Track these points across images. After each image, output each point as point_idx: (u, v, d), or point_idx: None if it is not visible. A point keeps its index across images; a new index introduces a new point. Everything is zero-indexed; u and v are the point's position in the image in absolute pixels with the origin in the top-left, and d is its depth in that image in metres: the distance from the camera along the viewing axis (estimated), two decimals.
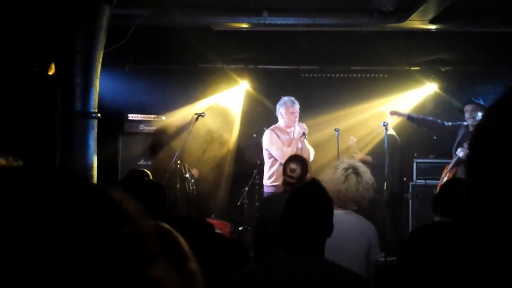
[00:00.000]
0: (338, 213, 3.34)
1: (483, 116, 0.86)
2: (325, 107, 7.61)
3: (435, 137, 8.25)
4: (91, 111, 5.47)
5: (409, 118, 7.27)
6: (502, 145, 0.76)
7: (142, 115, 7.67)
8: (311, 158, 6.31)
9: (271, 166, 6.23)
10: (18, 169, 0.71)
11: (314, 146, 6.53)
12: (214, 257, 2.54)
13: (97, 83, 5.50)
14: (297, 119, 6.25)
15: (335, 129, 6.82)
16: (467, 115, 6.64)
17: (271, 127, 6.38)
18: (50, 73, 6.19)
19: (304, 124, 6.30)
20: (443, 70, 8.06)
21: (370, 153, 7.19)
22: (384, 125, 6.57)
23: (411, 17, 6.27)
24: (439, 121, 6.95)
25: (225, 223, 7.39)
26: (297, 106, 6.26)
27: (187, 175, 7.01)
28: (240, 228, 7.59)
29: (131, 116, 7.65)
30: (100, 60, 5.50)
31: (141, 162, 7.35)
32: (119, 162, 7.44)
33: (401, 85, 8.00)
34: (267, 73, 8.25)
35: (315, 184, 2.45)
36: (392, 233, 7.37)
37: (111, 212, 0.65)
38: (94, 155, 5.47)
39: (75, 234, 0.61)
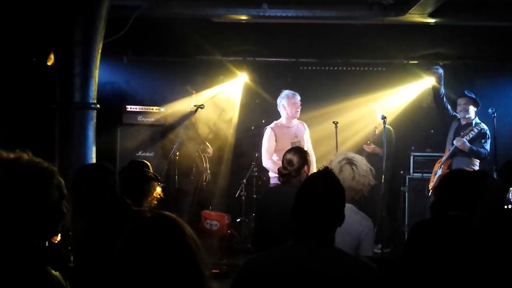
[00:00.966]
0: None
1: None
2: (323, 100, 7.62)
3: (432, 131, 8.28)
4: (90, 102, 5.46)
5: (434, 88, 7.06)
6: None
7: (141, 107, 7.67)
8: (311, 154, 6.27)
9: (267, 160, 6.26)
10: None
11: (312, 139, 6.53)
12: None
13: (96, 74, 5.49)
14: (299, 110, 6.24)
15: (333, 122, 6.83)
16: (459, 108, 6.70)
17: (272, 125, 6.31)
18: (49, 63, 6.16)
19: (304, 123, 6.34)
20: (441, 64, 8.06)
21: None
22: (382, 118, 6.60)
23: (410, 10, 6.26)
24: (448, 106, 6.91)
25: (223, 215, 7.42)
26: (298, 97, 6.25)
27: (206, 169, 7.12)
28: (238, 220, 7.62)
29: (130, 107, 7.64)
30: (100, 51, 5.48)
31: (140, 153, 7.35)
32: (118, 153, 7.44)
33: (399, 78, 8.01)
34: (265, 66, 8.25)
35: (328, 173, 2.41)
36: (388, 225, 7.41)
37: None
38: (93, 146, 5.46)
39: None
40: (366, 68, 8.33)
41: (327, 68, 8.35)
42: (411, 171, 7.75)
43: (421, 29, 7.33)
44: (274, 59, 8.28)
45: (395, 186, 7.71)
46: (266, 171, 7.45)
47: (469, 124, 6.56)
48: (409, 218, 7.54)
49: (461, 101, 6.72)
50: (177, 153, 6.56)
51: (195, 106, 6.61)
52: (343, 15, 6.46)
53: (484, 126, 6.53)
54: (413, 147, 7.96)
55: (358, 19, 6.61)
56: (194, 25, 7.25)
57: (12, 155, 1.88)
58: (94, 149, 5.47)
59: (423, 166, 7.66)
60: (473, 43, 7.68)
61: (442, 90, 6.84)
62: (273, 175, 6.15)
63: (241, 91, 8.11)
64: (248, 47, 8.11)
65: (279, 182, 4.40)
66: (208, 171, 7.26)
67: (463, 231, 2.85)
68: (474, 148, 6.39)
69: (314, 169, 5.70)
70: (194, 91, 7.59)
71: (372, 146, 7.26)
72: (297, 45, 8.04)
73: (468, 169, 6.08)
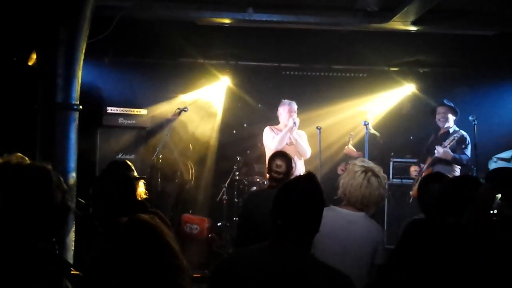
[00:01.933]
0: (355, 215, 3.35)
1: None
2: (305, 105, 7.63)
3: (411, 137, 8.39)
4: (73, 103, 5.34)
5: None
6: None
7: (122, 108, 7.56)
8: (308, 155, 6.54)
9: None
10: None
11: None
12: None
13: (79, 74, 5.38)
14: (294, 115, 6.60)
15: (317, 127, 6.86)
16: (439, 116, 6.76)
17: (271, 127, 6.66)
18: (30, 63, 6.05)
19: (297, 118, 6.57)
20: (421, 71, 8.19)
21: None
22: (365, 124, 6.65)
23: (394, 18, 6.34)
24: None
25: (203, 219, 7.38)
26: (294, 105, 6.63)
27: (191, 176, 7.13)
28: (218, 224, 7.58)
29: (110, 109, 7.54)
30: (83, 52, 5.39)
31: (121, 156, 7.25)
32: (97, 156, 7.33)
33: (380, 85, 8.10)
34: (248, 70, 8.26)
35: (310, 177, 2.42)
36: None
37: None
38: (76, 148, 5.36)
39: None
40: (347, 74, 8.41)
41: (309, 73, 8.40)
42: (391, 176, 7.82)
43: (402, 37, 7.42)
44: (256, 63, 8.30)
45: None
46: (248, 174, 7.46)
47: (447, 133, 6.65)
48: (388, 224, 7.61)
49: (440, 109, 6.80)
50: (160, 156, 6.50)
51: (178, 109, 6.57)
52: (327, 21, 6.50)
53: (463, 132, 6.63)
54: (392, 153, 8.04)
55: (343, 25, 6.66)
56: (176, 27, 7.20)
57: (13, 158, 1.85)
58: (76, 150, 5.37)
59: (403, 172, 7.73)
60: (453, 51, 7.82)
61: None
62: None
63: (223, 95, 8.09)
64: (230, 50, 8.10)
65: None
66: (192, 179, 7.23)
67: (461, 238, 2.88)
68: (457, 156, 6.47)
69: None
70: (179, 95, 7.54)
71: (350, 148, 7.28)
72: (280, 50, 8.06)
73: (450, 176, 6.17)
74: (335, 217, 3.32)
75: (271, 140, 6.40)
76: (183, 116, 6.77)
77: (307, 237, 2.31)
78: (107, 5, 6.13)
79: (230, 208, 7.54)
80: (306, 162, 6.60)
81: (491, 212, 3.48)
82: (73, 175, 5.31)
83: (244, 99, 8.08)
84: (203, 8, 6.51)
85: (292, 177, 4.31)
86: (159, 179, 6.61)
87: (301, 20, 6.45)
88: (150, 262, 1.66)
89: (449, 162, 6.50)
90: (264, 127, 6.66)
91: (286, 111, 6.57)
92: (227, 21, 6.78)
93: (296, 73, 8.41)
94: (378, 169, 3.52)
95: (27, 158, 1.96)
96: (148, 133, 7.28)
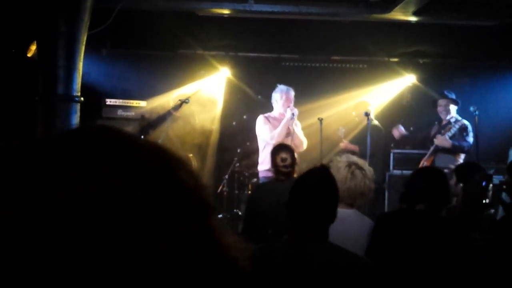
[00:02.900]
0: (346, 212, 3.36)
1: None
2: (305, 96, 7.60)
3: (412, 128, 8.37)
4: (74, 94, 5.34)
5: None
6: None
7: (121, 100, 7.53)
8: (304, 147, 6.30)
9: (261, 151, 6.18)
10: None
11: None
12: None
13: (80, 66, 5.37)
14: (288, 105, 6.21)
15: (318, 119, 6.82)
16: (440, 109, 6.77)
17: (265, 114, 6.28)
18: (29, 55, 6.00)
19: (295, 109, 6.25)
20: (421, 62, 8.17)
21: (352, 143, 7.25)
22: (366, 115, 6.63)
23: (395, 8, 6.32)
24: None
25: None
26: (291, 92, 6.26)
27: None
28: (219, 216, 7.56)
29: (109, 101, 7.50)
30: (84, 43, 5.37)
31: None
32: None
33: (381, 76, 8.08)
34: (248, 61, 8.21)
35: (324, 170, 2.44)
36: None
37: (174, 167, 0.67)
38: None
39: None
40: (347, 65, 8.38)
41: (309, 64, 8.36)
42: (391, 168, 7.81)
43: (402, 27, 7.40)
44: (256, 55, 8.25)
45: (375, 183, 7.75)
46: (248, 167, 7.43)
47: (449, 123, 6.66)
48: None
49: (441, 102, 6.80)
50: None
51: (180, 100, 6.53)
52: (329, 12, 6.48)
53: (464, 121, 6.64)
54: (392, 144, 8.03)
55: (344, 16, 6.64)
56: (176, 19, 7.16)
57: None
58: None
59: (403, 163, 7.70)
60: (453, 42, 7.80)
61: None
62: (260, 169, 6.09)
63: (223, 86, 8.05)
64: (230, 41, 8.05)
65: (266, 176, 4.43)
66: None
67: (428, 224, 2.98)
68: (456, 143, 6.48)
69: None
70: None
71: (346, 143, 7.22)
72: (280, 41, 8.03)
73: (452, 166, 6.17)
74: None
75: (267, 134, 6.08)
76: (184, 108, 6.72)
77: (325, 228, 2.33)
78: None
79: (230, 200, 7.52)
80: (305, 153, 6.52)
81: (484, 202, 3.53)
82: None
83: (244, 90, 8.05)
84: None
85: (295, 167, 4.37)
86: None
87: (302, 11, 6.42)
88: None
89: (451, 151, 6.51)
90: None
91: (284, 100, 6.18)
92: (226, 11, 6.75)
93: (296, 64, 8.37)
94: (362, 162, 3.56)
95: None
96: (148, 125, 7.24)
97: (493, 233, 3.24)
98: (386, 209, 7.67)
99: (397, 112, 8.18)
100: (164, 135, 6.38)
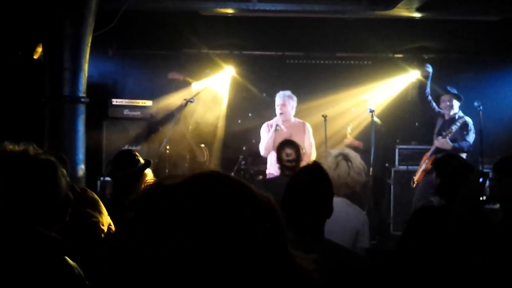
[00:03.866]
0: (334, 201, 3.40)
1: None
2: (310, 93, 7.65)
3: (417, 124, 8.39)
4: (80, 95, 5.42)
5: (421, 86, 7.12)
6: None
7: (127, 100, 7.59)
8: (309, 158, 5.84)
9: (269, 156, 6.17)
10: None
11: None
12: None
13: (86, 67, 5.45)
14: (281, 112, 6.11)
15: (322, 115, 6.86)
16: (444, 105, 6.78)
17: (269, 122, 6.25)
18: (36, 57, 6.07)
19: (280, 119, 6.12)
20: (426, 57, 8.17)
21: (356, 139, 7.30)
22: (370, 111, 6.67)
23: (398, 5, 6.34)
24: (433, 104, 6.99)
25: None
26: (279, 99, 6.15)
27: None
28: None
29: (116, 101, 7.56)
30: (89, 45, 5.44)
31: (127, 147, 7.28)
32: (103, 147, 7.36)
33: (385, 72, 8.08)
34: (252, 59, 8.25)
35: (316, 167, 2.48)
36: (374, 218, 7.50)
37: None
38: (83, 140, 5.43)
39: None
40: (352, 62, 8.40)
41: (313, 61, 8.39)
42: (396, 163, 7.84)
43: (406, 23, 7.41)
44: (260, 53, 8.29)
45: (380, 178, 7.80)
46: (254, 164, 7.49)
47: (453, 119, 6.67)
48: (394, 210, 7.65)
49: (445, 98, 6.81)
50: (167, 147, 6.53)
51: (185, 99, 6.58)
52: (332, 9, 6.51)
53: (467, 118, 6.64)
54: (398, 140, 8.06)
55: (348, 13, 6.66)
56: (180, 18, 7.22)
57: (18, 148, 1.89)
58: (84, 143, 5.43)
59: (408, 158, 7.74)
60: (457, 37, 7.80)
61: (428, 89, 6.92)
62: (270, 172, 6.08)
63: (228, 85, 8.09)
64: (234, 40, 8.10)
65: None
66: (207, 160, 7.25)
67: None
68: (457, 145, 6.51)
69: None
70: (192, 80, 7.52)
71: (350, 139, 7.27)
72: (284, 38, 8.06)
73: None
74: None
75: (261, 143, 6.15)
76: (189, 106, 6.78)
77: (321, 225, 2.37)
78: None
79: None
80: None
81: (481, 199, 3.54)
82: (82, 167, 5.37)
83: (249, 88, 8.09)
84: None
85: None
86: (166, 169, 6.64)
87: (306, 9, 6.45)
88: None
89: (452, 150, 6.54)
90: (269, 117, 6.47)
91: (279, 105, 6.12)
92: (230, 11, 6.79)
93: (300, 61, 8.40)
94: (354, 155, 3.61)
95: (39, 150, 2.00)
96: (154, 124, 7.30)
97: (493, 232, 3.26)
98: (392, 205, 7.72)
99: (402, 108, 8.20)
100: (170, 134, 6.44)
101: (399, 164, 7.82)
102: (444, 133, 6.50)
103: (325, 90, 7.88)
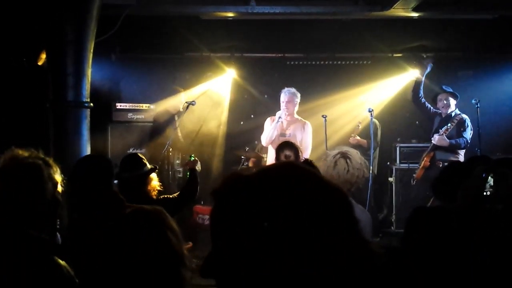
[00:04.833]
0: None
1: None
2: (311, 94, 7.74)
3: (417, 122, 8.46)
4: (84, 100, 5.52)
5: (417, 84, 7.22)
6: None
7: (131, 104, 7.69)
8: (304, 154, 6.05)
9: (268, 153, 6.36)
10: None
11: None
12: None
13: (89, 72, 5.55)
14: (286, 108, 6.30)
15: (322, 116, 6.96)
16: (440, 103, 6.87)
17: (273, 116, 6.46)
18: (40, 63, 6.19)
19: (284, 111, 6.32)
20: (425, 56, 8.24)
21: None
22: (370, 111, 6.75)
23: (394, 5, 6.41)
24: (427, 105, 7.10)
25: None
26: (284, 95, 6.34)
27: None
28: None
29: (119, 105, 7.66)
30: (92, 50, 5.54)
31: (131, 150, 7.39)
32: (109, 151, 7.47)
33: (385, 71, 8.16)
34: (253, 61, 8.35)
35: (307, 164, 2.57)
36: (376, 215, 7.58)
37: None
38: (88, 145, 5.52)
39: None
40: (352, 62, 8.47)
41: (313, 62, 8.47)
42: (397, 161, 7.92)
43: (405, 23, 7.48)
44: (261, 55, 8.38)
45: (381, 176, 7.88)
46: (256, 165, 7.57)
47: (450, 117, 6.75)
48: (396, 208, 7.72)
49: (441, 97, 6.90)
50: (170, 149, 6.63)
51: (186, 102, 6.68)
52: (329, 11, 6.59)
53: (463, 115, 6.72)
54: (399, 139, 8.13)
55: (344, 14, 6.75)
56: (182, 22, 7.33)
57: (26, 153, 1.97)
58: (89, 147, 5.53)
59: (409, 156, 7.82)
60: (455, 36, 7.87)
61: (421, 92, 7.03)
62: None
63: (229, 87, 8.20)
64: (235, 43, 8.19)
65: None
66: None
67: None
68: (454, 142, 6.59)
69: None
70: (182, 89, 7.64)
71: (357, 138, 7.38)
72: (284, 40, 8.15)
73: (453, 158, 6.31)
74: None
75: (264, 133, 6.33)
76: (191, 109, 6.88)
77: None
78: (113, 3, 6.23)
79: None
80: (312, 150, 6.61)
81: (484, 194, 3.57)
82: None
83: (250, 90, 8.19)
84: (206, 2, 6.63)
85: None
86: (169, 172, 6.75)
87: (303, 11, 6.54)
88: (152, 251, 1.71)
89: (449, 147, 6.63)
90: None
91: (284, 102, 6.32)
92: (230, 14, 6.89)
93: (300, 62, 8.48)
94: (354, 152, 3.66)
95: (40, 154, 2.08)
96: (157, 127, 7.40)
97: (494, 230, 3.29)
98: (393, 203, 7.79)
99: (401, 106, 8.27)
100: (171, 138, 6.53)
101: (400, 162, 7.89)
102: (441, 131, 6.58)
103: (326, 90, 7.97)
